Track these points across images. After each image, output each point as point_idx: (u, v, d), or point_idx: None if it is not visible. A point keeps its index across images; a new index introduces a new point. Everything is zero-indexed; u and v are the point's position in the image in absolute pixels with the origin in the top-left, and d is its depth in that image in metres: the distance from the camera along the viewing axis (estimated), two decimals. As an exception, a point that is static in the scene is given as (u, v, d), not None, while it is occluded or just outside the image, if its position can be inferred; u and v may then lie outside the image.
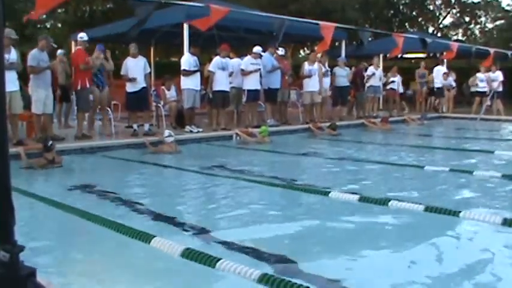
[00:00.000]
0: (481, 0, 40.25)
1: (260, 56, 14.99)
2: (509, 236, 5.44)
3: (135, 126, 13.09)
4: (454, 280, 4.26)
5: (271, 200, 7.21)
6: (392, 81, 20.72)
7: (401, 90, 21.39)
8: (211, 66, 14.16)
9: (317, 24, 15.22)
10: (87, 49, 12.83)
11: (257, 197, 7.43)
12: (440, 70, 22.43)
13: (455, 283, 4.21)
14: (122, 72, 13.18)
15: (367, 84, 18.86)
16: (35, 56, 11.31)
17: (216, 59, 14.14)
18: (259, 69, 14.81)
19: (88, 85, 12.28)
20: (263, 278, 3.86)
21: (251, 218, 6.13)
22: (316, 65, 16.32)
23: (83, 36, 12.57)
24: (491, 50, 21.61)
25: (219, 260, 4.17)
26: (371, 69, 18.89)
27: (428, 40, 18.79)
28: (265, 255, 4.66)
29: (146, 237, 4.84)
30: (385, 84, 21.28)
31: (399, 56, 26.21)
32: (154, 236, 4.80)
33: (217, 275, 4.13)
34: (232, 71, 14.43)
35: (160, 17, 15.03)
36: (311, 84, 16.23)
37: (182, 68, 13.84)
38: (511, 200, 7.23)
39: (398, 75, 20.96)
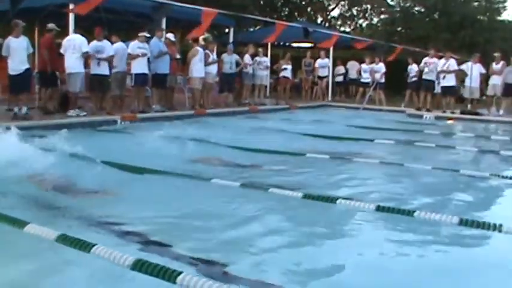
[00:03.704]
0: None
1: (148, 40, 14.83)
2: (382, 221, 5.79)
3: (15, 109, 12.61)
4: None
5: (138, 185, 7.15)
6: (285, 69, 21.07)
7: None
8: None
9: (200, 9, 15.29)
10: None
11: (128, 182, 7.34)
12: (354, 64, 24.04)
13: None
14: (4, 53, 12.60)
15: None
16: None
17: (92, 43, 13.90)
18: (147, 53, 14.63)
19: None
20: (137, 264, 3.86)
21: (121, 202, 6.21)
22: (200, 50, 16.30)
23: None
24: (370, 41, 22.72)
25: (94, 245, 4.14)
26: (246, 57, 19.03)
27: (310, 30, 19.23)
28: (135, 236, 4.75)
29: (20, 224, 4.72)
30: (272, 72, 21.71)
31: (287, 44, 26.70)
32: (29, 223, 4.67)
33: (93, 262, 4.10)
34: (113, 55, 14.20)
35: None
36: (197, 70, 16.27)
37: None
38: (386, 186, 7.55)
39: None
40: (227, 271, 4.17)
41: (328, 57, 23.31)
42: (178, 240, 4.87)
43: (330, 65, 23.95)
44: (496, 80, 19.27)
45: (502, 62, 19.31)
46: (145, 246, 4.63)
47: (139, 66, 14.54)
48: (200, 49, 16.30)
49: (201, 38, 16.87)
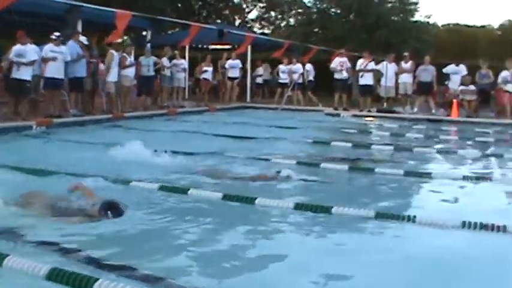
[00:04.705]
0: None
1: (63, 43, 14.51)
2: (301, 218, 5.85)
3: None
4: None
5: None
6: (206, 71, 21.11)
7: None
8: (11, 54, 13.48)
9: (113, 12, 15.14)
10: None
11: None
12: (267, 66, 25.62)
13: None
14: None
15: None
16: None
17: (15, 47, 13.51)
18: (60, 56, 14.27)
19: None
20: (53, 273, 3.78)
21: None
22: (116, 54, 16.15)
23: None
24: (286, 43, 23.11)
25: (6, 256, 4.01)
26: (164, 60, 18.94)
27: (225, 31, 19.40)
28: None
29: None
30: (191, 74, 21.70)
31: (205, 46, 26.65)
32: None
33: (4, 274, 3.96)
34: (34, 60, 13.82)
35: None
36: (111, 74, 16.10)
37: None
38: (304, 185, 7.62)
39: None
40: (147, 274, 4.11)
41: (240, 58, 23.29)
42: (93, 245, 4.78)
43: (248, 66, 24.16)
44: (405, 78, 19.88)
45: (410, 61, 19.98)
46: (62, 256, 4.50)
47: (50, 70, 14.16)
48: (114, 53, 16.12)
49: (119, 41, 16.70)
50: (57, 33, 14.37)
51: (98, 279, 3.64)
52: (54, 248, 4.62)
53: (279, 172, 7.71)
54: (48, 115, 14.06)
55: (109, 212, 5.31)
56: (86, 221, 5.30)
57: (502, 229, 5.24)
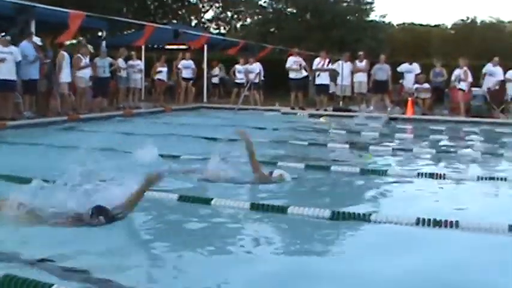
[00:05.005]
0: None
1: (13, 44, 14.25)
2: (256, 219, 5.87)
3: None
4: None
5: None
6: (160, 72, 21.00)
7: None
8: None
9: (67, 12, 14.97)
10: None
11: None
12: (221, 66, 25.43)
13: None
14: None
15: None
16: None
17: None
18: (9, 57, 13.97)
19: None
20: (5, 279, 3.69)
21: None
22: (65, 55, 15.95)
23: None
24: (241, 42, 23.12)
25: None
26: (120, 61, 18.80)
27: (180, 31, 19.33)
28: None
29: None
30: (147, 75, 21.56)
31: (161, 47, 26.44)
32: None
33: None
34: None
35: None
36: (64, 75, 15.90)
37: None
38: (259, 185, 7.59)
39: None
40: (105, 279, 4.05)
41: (196, 58, 23.13)
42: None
43: (205, 66, 24.11)
44: (360, 77, 20.16)
45: (365, 60, 20.27)
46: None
47: (1, 72, 13.83)
48: (65, 54, 15.93)
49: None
50: (2, 34, 14.11)
51: (52, 284, 3.60)
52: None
53: (271, 173, 7.60)
54: (1, 118, 13.81)
55: (101, 216, 5.18)
56: (74, 226, 5.19)
57: (454, 225, 5.33)
